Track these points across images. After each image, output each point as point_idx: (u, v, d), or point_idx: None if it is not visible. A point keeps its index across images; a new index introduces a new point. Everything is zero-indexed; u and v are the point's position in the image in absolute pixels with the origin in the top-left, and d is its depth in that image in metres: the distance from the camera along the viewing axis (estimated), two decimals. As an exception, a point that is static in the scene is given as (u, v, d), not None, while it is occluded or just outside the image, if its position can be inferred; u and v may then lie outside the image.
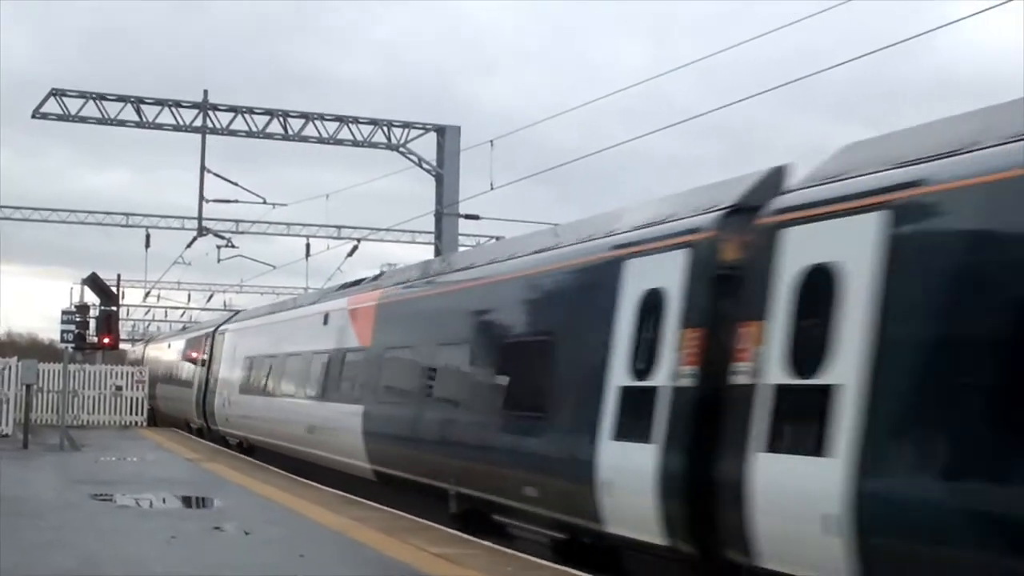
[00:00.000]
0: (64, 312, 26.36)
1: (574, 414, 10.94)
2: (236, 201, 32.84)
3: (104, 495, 15.78)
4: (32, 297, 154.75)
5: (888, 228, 7.49)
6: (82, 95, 31.56)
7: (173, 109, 32.01)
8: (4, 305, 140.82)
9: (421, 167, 32.98)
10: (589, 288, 11.27)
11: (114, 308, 27.78)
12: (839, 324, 7.69)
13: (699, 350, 9.26)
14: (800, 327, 8.13)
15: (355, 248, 36.87)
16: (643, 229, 10.68)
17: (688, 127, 19.01)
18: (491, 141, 25.47)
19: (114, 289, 30.73)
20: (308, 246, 41.24)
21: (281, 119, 32.73)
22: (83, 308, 27.13)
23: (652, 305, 9.95)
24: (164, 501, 15.89)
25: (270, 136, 32.96)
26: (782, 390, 8.12)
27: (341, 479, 17.73)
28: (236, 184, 32.42)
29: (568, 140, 70.21)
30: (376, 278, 20.16)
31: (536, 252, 13.08)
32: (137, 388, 35.43)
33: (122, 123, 32.15)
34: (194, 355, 33.65)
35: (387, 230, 41.99)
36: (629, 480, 9.71)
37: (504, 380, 12.84)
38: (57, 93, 31.33)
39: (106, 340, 26.96)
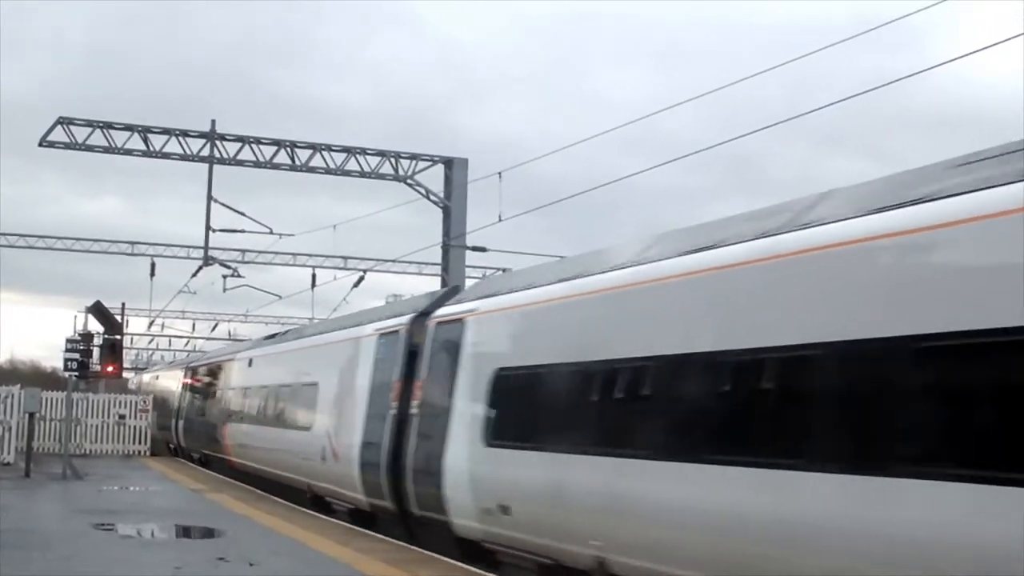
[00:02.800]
0: (68, 340, 26.17)
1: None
2: (242, 231, 32.75)
3: (107, 525, 15.62)
4: (34, 325, 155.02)
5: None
6: (89, 123, 31.50)
7: (180, 138, 31.95)
8: (6, 333, 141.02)
9: (429, 199, 32.95)
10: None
11: (118, 337, 27.64)
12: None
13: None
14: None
15: (361, 279, 36.84)
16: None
17: (685, 157, 19.04)
18: (499, 173, 25.47)
19: (118, 318, 30.67)
20: (314, 276, 41.04)
21: (288, 149, 32.74)
22: (87, 336, 26.94)
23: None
24: (168, 531, 15.73)
25: (277, 167, 32.93)
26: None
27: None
28: (242, 214, 32.35)
29: (559, 170, 69.86)
30: None
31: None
32: (140, 417, 35.34)
33: (129, 152, 32.05)
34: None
35: (393, 261, 41.93)
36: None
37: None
38: (64, 121, 31.29)
39: (110, 368, 26.83)
